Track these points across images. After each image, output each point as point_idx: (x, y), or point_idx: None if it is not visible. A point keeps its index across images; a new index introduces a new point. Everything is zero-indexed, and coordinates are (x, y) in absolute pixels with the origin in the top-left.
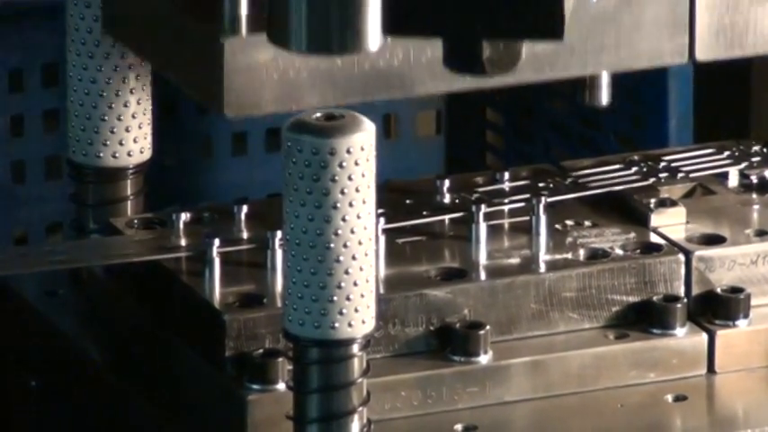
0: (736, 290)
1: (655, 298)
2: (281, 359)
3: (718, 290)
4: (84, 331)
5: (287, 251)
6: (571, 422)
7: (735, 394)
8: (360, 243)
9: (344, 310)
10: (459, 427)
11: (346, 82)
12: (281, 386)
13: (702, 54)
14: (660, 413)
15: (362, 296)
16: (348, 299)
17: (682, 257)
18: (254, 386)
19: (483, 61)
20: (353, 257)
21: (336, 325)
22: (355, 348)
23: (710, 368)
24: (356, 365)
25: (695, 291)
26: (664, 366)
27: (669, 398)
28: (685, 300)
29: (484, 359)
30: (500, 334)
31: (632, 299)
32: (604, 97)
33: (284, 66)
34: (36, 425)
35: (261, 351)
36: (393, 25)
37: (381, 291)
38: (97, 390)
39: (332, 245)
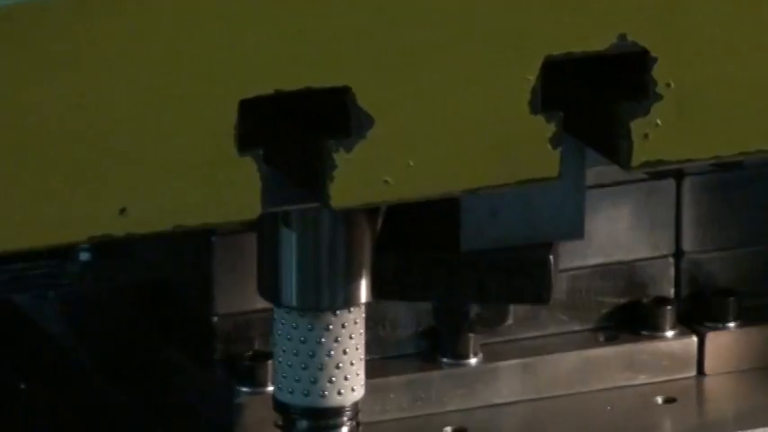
0: (725, 292)
1: (644, 299)
2: (270, 361)
3: (708, 292)
4: (74, 334)
5: (276, 320)
6: (561, 424)
7: (724, 396)
8: (349, 311)
9: (334, 379)
10: (448, 429)
11: None
12: (271, 388)
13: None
14: (650, 415)
15: (352, 364)
16: (338, 367)
17: (671, 259)
18: (244, 389)
19: (470, 321)
20: (343, 326)
21: (326, 393)
22: (345, 417)
23: (700, 370)
24: None
25: (685, 292)
26: (653, 368)
27: (659, 400)
28: (675, 301)
29: (473, 361)
30: (490, 336)
31: (622, 300)
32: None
33: None
34: (24, 427)
35: (250, 353)
36: (382, 290)
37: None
38: (86, 392)
39: (320, 312)
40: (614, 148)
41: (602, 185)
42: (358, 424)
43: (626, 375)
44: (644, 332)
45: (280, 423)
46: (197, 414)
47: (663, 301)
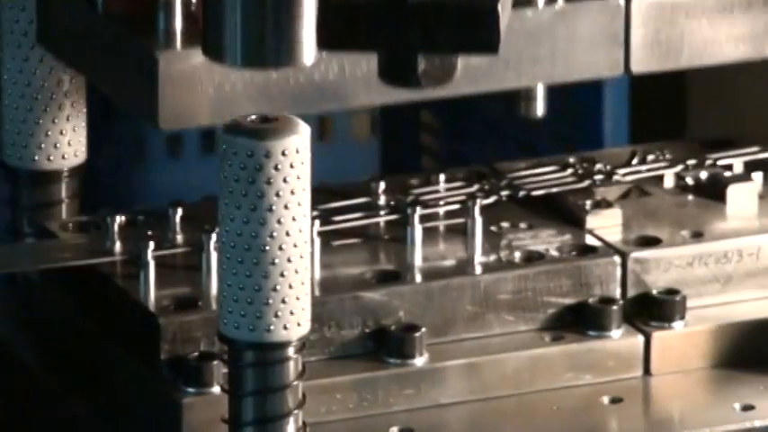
0: (671, 292)
1: (590, 300)
2: (215, 362)
3: (654, 292)
4: (20, 334)
5: (222, 254)
6: (507, 424)
7: (670, 396)
8: (295, 246)
9: (280, 313)
10: (394, 429)
11: (281, 95)
12: (217, 389)
13: (637, 67)
14: (596, 415)
15: (298, 299)
16: (284, 301)
17: (617, 259)
18: (190, 389)
19: (418, 74)
20: (289, 260)
21: (272, 327)
22: (291, 351)
23: (646, 370)
24: (291, 368)
25: (631, 292)
26: (599, 368)
27: (605, 400)
28: (621, 302)
29: (419, 361)
30: (435, 336)
31: (568, 301)
32: (540, 109)
33: (219, 79)
34: None
35: (196, 354)
36: (329, 40)
37: (316, 293)
38: (34, 392)
39: (267, 247)
40: None
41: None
42: (304, 369)
43: (572, 375)
44: (590, 332)
45: (225, 357)
46: (143, 414)
47: (609, 301)
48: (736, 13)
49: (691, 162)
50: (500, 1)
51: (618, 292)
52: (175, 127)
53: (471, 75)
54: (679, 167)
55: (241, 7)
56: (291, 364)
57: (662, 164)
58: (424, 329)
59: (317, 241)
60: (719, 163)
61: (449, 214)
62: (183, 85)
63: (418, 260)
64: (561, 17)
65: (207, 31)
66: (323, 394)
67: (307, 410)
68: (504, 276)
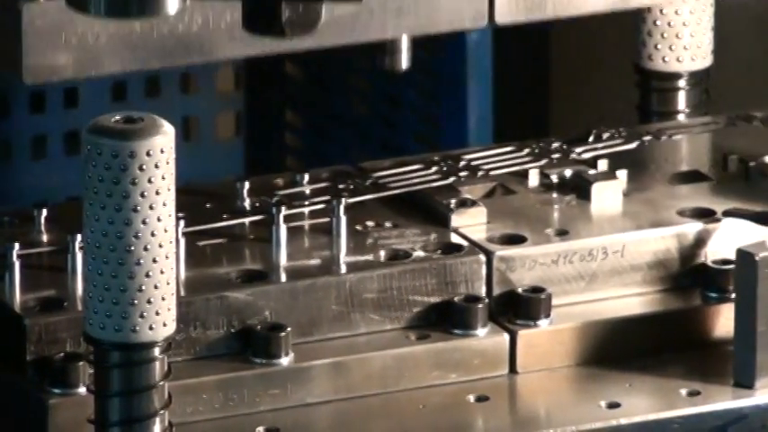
0: (537, 290)
1: (456, 298)
2: (82, 363)
3: (520, 290)
4: None
5: (87, 254)
6: (373, 423)
7: (536, 394)
8: (160, 246)
9: (145, 314)
10: (260, 429)
11: (145, 47)
12: (83, 390)
13: (502, 18)
14: (462, 414)
15: (163, 299)
16: (149, 302)
17: (483, 258)
18: (56, 390)
19: (282, 22)
20: (154, 260)
21: (137, 328)
22: (156, 351)
23: (512, 368)
24: (157, 368)
25: (496, 291)
26: (465, 367)
27: (471, 398)
28: (486, 300)
29: (285, 361)
30: (301, 336)
31: (433, 299)
32: (404, 62)
33: (83, 31)
34: None
35: (62, 355)
36: None
37: (182, 293)
38: None
39: (132, 248)
40: None
41: None
42: (170, 369)
43: (438, 374)
44: (456, 331)
45: (91, 358)
46: (9, 416)
47: (474, 299)
48: None
49: (555, 158)
50: None
51: (483, 291)
52: (40, 80)
53: (336, 26)
54: (543, 163)
55: None
56: (157, 364)
57: (526, 160)
58: (289, 329)
59: (182, 241)
60: (584, 156)
61: (314, 214)
62: (47, 37)
63: (284, 260)
64: None
65: None
66: (189, 394)
67: (173, 411)
68: (369, 275)
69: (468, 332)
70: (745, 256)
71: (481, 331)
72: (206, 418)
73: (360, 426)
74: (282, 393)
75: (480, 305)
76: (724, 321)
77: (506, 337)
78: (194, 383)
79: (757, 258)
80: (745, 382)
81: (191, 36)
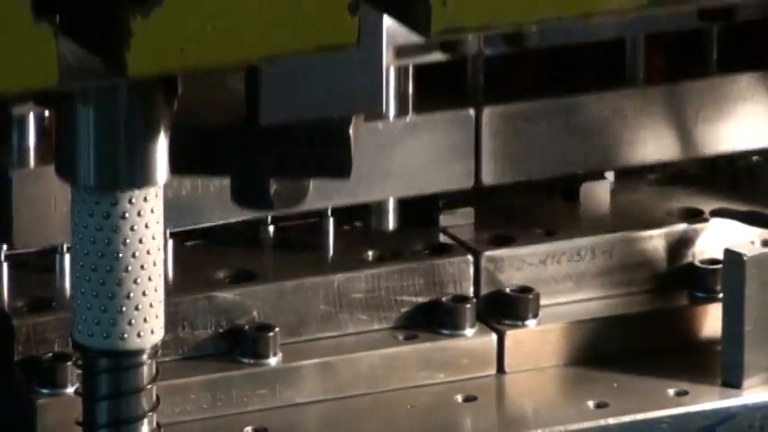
0: (525, 290)
1: (444, 298)
2: (70, 363)
3: (508, 290)
4: None
5: (75, 262)
6: (361, 423)
7: (524, 394)
8: (148, 253)
9: (133, 321)
10: (249, 429)
11: None
12: (71, 390)
13: (488, 178)
14: (450, 413)
15: (151, 306)
16: (137, 309)
17: (470, 258)
18: (44, 390)
19: (270, 196)
20: (142, 267)
21: (125, 335)
22: (144, 357)
23: (500, 368)
24: (145, 373)
25: (484, 291)
26: (453, 367)
27: (459, 398)
28: (474, 300)
29: (273, 361)
30: (289, 336)
31: (422, 299)
32: (391, 223)
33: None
34: None
35: (50, 355)
36: (182, 164)
37: (170, 294)
38: None
39: (120, 255)
40: (413, 14)
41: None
42: (158, 370)
43: (426, 374)
44: (444, 331)
45: (79, 363)
46: None
47: (462, 299)
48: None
49: None
50: (351, 124)
51: (471, 291)
52: (30, 246)
53: (323, 189)
54: None
55: (94, 130)
56: (145, 368)
57: None
58: (277, 329)
59: (171, 242)
60: None
61: (302, 214)
62: (37, 203)
63: (272, 260)
64: (412, 130)
65: (60, 151)
66: (177, 394)
67: (161, 411)
68: (357, 275)
69: (455, 332)
70: (732, 255)
71: (469, 331)
72: (194, 419)
73: (348, 426)
74: (271, 393)
75: (468, 305)
76: (712, 321)
77: (494, 337)
78: (182, 383)
79: (745, 258)
80: (732, 382)
81: (181, 201)
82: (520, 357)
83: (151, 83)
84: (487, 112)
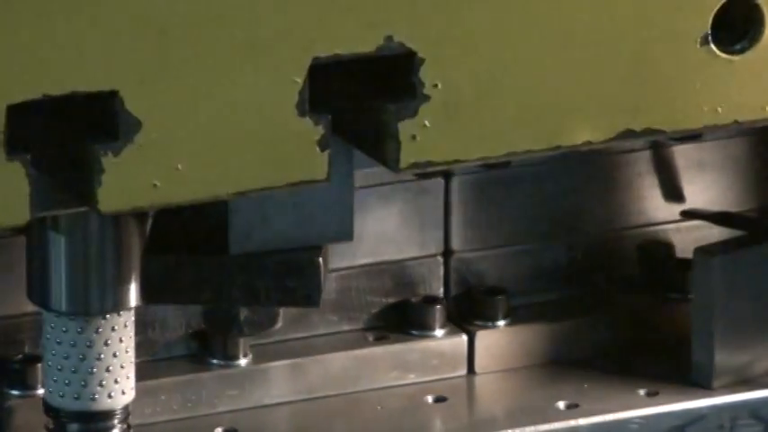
0: (495, 290)
1: (414, 299)
2: (40, 364)
3: (478, 290)
4: None
5: (46, 324)
6: (332, 424)
7: (495, 394)
8: (119, 315)
9: (104, 382)
10: (219, 430)
11: None
12: (42, 391)
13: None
14: (420, 414)
15: (122, 367)
16: (108, 370)
17: (440, 258)
18: (14, 392)
19: (241, 323)
20: (113, 329)
21: (96, 397)
22: (115, 420)
23: (471, 369)
24: None
25: (454, 291)
26: (424, 367)
27: (429, 399)
28: (445, 301)
29: (243, 362)
30: (260, 336)
31: (392, 300)
32: None
33: None
34: None
35: (20, 356)
36: (152, 293)
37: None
38: None
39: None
40: (383, 149)
41: (370, 186)
42: (129, 426)
43: (396, 375)
44: (414, 332)
45: (51, 426)
46: None
47: (432, 300)
48: None
49: None
50: (321, 254)
51: (441, 292)
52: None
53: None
54: None
55: (66, 258)
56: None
57: None
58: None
59: None
60: None
61: None
62: None
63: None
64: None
65: (32, 277)
66: (147, 396)
67: (132, 412)
68: (327, 276)
69: (426, 333)
70: (703, 256)
71: (439, 332)
72: (165, 419)
73: (318, 426)
74: (241, 394)
75: (438, 306)
76: (682, 322)
77: (464, 337)
78: (153, 385)
79: (715, 259)
80: (702, 383)
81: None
82: (490, 358)
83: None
84: (456, 180)
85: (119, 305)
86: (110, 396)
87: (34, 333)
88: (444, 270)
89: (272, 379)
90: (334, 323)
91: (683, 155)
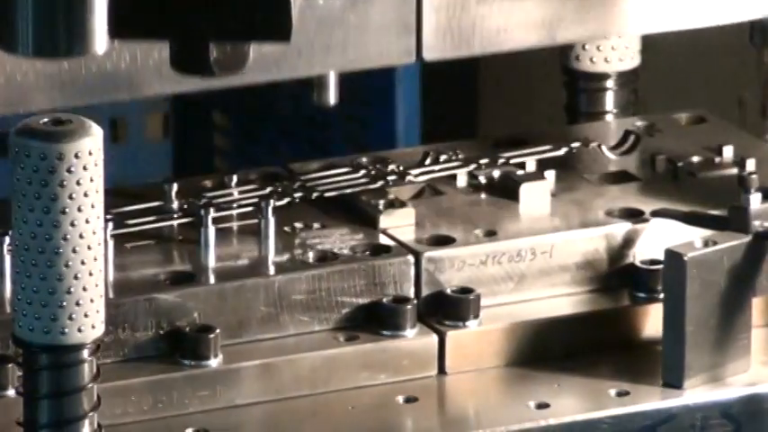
0: (465, 290)
1: (385, 299)
2: (11, 365)
3: (448, 290)
4: None
5: (16, 257)
6: (303, 425)
7: (465, 395)
8: (89, 248)
9: (74, 316)
10: (190, 430)
11: (73, 84)
12: (12, 392)
13: (429, 54)
14: (391, 414)
15: (92, 301)
16: (78, 304)
17: (411, 258)
18: None
19: (210, 63)
20: (82, 262)
21: (66, 330)
22: (85, 353)
23: (441, 369)
24: (86, 371)
25: (425, 292)
26: (394, 368)
27: (400, 399)
28: (415, 301)
29: (214, 363)
30: (230, 337)
31: (362, 300)
32: (332, 97)
33: (11, 68)
34: None
35: None
36: (119, 28)
37: (111, 295)
38: None
39: (61, 250)
40: None
41: None
42: (98, 370)
43: (367, 375)
44: (384, 332)
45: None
46: None
47: (403, 300)
48: (528, 0)
49: (483, 161)
50: None
51: (412, 292)
52: None
53: (264, 63)
54: (472, 167)
55: None
56: (86, 366)
57: (455, 163)
58: (218, 330)
59: (111, 244)
60: (512, 162)
61: (242, 215)
62: None
63: (212, 261)
64: (353, 4)
65: None
66: (118, 396)
67: (102, 412)
68: (297, 276)
69: (396, 333)
70: (673, 256)
71: (410, 332)
72: (135, 420)
73: (289, 427)
74: (211, 395)
75: (409, 306)
76: (653, 321)
77: (435, 337)
78: (123, 385)
79: (686, 258)
80: (673, 382)
81: (119, 73)
82: (461, 358)
83: None
84: None
85: (87, 44)
86: (80, 330)
87: (4, 334)
88: (415, 270)
89: (243, 379)
90: (305, 323)
91: None
